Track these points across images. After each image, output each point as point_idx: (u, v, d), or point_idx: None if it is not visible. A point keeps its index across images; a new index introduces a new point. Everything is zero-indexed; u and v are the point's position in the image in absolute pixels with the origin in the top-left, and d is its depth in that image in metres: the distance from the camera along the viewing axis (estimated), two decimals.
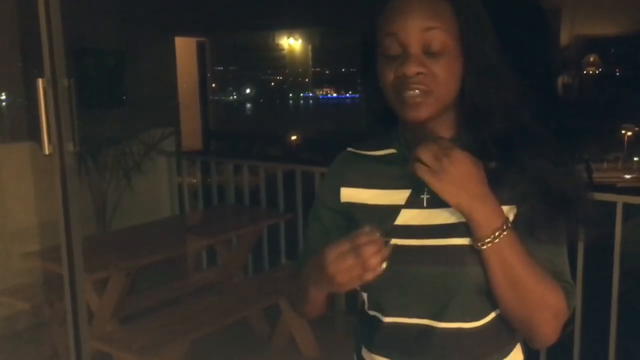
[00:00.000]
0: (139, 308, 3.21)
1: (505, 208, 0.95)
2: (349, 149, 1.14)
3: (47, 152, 2.06)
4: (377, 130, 1.12)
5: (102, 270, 2.81)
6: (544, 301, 0.94)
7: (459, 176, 0.91)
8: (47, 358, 3.19)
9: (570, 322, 1.01)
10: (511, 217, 0.96)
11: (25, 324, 3.49)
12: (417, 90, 0.94)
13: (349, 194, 1.08)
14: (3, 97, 4.94)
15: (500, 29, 1.00)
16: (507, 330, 1.01)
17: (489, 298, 0.97)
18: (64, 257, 2.14)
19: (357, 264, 0.86)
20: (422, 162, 0.92)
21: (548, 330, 0.96)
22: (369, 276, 0.88)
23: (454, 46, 0.95)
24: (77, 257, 2.13)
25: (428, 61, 0.94)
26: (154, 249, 3.14)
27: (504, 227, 0.92)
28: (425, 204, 1.00)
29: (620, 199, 2.66)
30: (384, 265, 0.88)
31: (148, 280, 3.51)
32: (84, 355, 2.20)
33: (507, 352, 1.04)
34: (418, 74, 0.94)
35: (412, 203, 1.01)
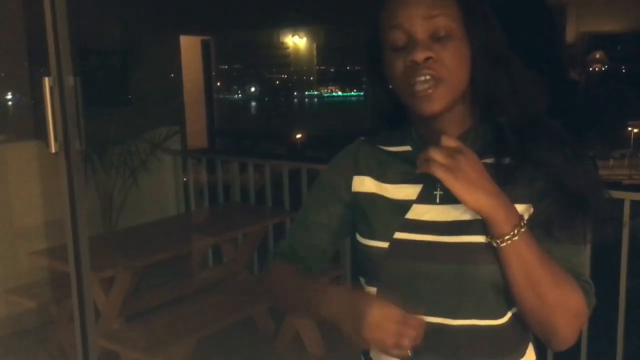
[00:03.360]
0: (146, 306, 3.22)
1: (521, 207, 0.94)
2: (362, 138, 1.12)
3: (53, 151, 2.06)
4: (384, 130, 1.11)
5: (108, 268, 2.82)
6: (564, 301, 0.91)
7: (474, 174, 0.89)
8: (54, 356, 3.20)
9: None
10: (526, 216, 0.94)
11: (32, 322, 3.50)
12: (427, 77, 0.93)
13: (361, 183, 1.06)
14: (9, 96, 4.95)
15: (507, 28, 1.00)
16: (522, 329, 1.00)
17: (505, 297, 0.95)
18: (70, 256, 2.14)
19: (392, 336, 0.86)
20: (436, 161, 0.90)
21: (568, 330, 0.94)
22: (394, 352, 0.88)
23: (459, 31, 0.95)
24: (84, 256, 2.14)
25: (435, 47, 0.93)
26: (160, 248, 3.15)
27: (521, 223, 0.90)
28: (438, 201, 0.99)
29: (628, 196, 2.65)
30: (410, 353, 0.88)
31: (154, 279, 3.52)
32: (91, 353, 2.21)
33: (522, 353, 1.02)
34: (427, 59, 0.93)
35: (424, 198, 1.00)
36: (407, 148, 1.06)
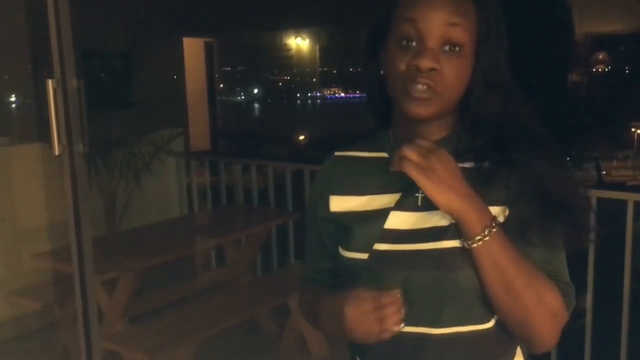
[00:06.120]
0: (149, 308, 3.22)
1: (497, 209, 0.94)
2: (337, 153, 1.12)
3: (57, 153, 2.06)
4: (380, 125, 1.09)
5: (112, 270, 2.82)
6: (539, 301, 0.91)
7: (446, 174, 0.89)
8: (58, 358, 3.21)
9: (580, 316, 0.99)
10: (502, 219, 0.94)
11: (36, 324, 3.50)
12: (425, 86, 0.92)
13: (338, 203, 1.06)
14: (13, 99, 4.97)
15: (520, 26, 0.99)
16: (508, 334, 0.99)
17: (487, 302, 0.94)
18: (74, 257, 2.15)
19: (376, 323, 0.89)
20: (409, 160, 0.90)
21: (546, 332, 0.93)
22: (386, 335, 0.90)
23: (469, 48, 0.94)
24: (87, 257, 2.14)
25: (442, 58, 0.92)
26: (163, 249, 3.15)
27: (493, 224, 0.90)
28: (419, 203, 0.98)
29: (631, 197, 2.65)
30: (402, 325, 0.90)
31: (157, 280, 3.52)
32: (95, 354, 2.21)
33: (511, 356, 1.01)
34: (431, 70, 0.91)
35: (402, 205, 0.99)
36: (384, 155, 1.05)
